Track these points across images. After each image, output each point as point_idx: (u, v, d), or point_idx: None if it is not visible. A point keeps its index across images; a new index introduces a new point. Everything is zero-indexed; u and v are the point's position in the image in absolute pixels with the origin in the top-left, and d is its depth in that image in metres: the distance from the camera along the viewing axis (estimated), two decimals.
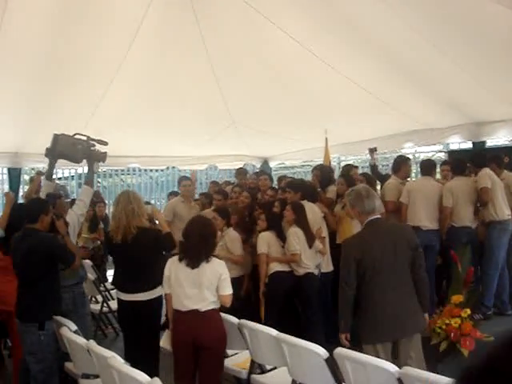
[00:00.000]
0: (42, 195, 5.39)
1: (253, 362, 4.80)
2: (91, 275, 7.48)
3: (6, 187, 10.63)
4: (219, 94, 8.44)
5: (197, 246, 4.43)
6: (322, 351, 4.01)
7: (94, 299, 7.81)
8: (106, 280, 8.41)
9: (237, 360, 4.88)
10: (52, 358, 4.79)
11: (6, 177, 10.69)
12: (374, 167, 8.63)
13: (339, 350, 3.93)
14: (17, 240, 4.88)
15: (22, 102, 7.79)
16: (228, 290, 4.44)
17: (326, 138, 9.01)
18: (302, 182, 7.54)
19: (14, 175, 10.21)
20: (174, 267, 4.55)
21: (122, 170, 15.14)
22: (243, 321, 4.77)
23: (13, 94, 7.53)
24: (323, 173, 7.72)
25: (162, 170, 14.60)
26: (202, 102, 8.67)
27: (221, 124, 9.69)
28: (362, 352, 3.93)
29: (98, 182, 15.78)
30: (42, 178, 5.95)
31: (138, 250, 4.96)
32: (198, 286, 4.39)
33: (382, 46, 6.48)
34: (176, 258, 4.56)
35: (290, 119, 9.21)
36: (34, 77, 7.20)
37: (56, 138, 5.44)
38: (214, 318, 4.49)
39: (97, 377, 4.45)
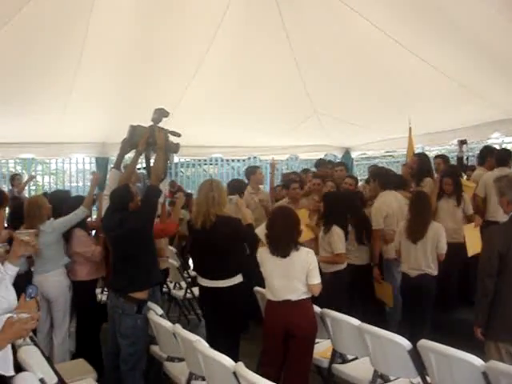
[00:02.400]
0: (111, 184, 5.52)
1: (334, 352, 4.81)
2: (175, 262, 7.67)
3: None
4: (301, 84, 8.43)
5: (282, 236, 4.48)
6: (405, 342, 3.98)
7: (177, 285, 8.02)
8: (189, 267, 8.58)
9: (318, 349, 4.88)
10: (143, 342, 4.94)
11: (94, 166, 11.05)
12: (460, 159, 8.40)
13: (423, 342, 3.89)
14: (113, 223, 5.05)
15: (110, 95, 8.03)
16: (317, 280, 4.46)
17: (410, 128, 8.83)
18: (381, 170, 7.43)
19: (102, 164, 10.56)
20: (263, 258, 4.62)
21: (205, 160, 15.38)
22: (326, 310, 4.79)
23: (100, 87, 7.78)
24: (421, 163, 7.47)
25: (243, 160, 14.73)
26: (283, 92, 8.67)
27: (302, 113, 9.67)
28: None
29: (181, 171, 16.14)
30: (112, 167, 6.11)
31: (217, 237, 5.03)
32: (288, 277, 4.44)
33: (471, 33, 6.27)
34: (265, 248, 4.63)
35: (373, 108, 9.09)
36: (121, 69, 7.42)
37: (133, 128, 5.56)
38: (306, 308, 4.53)
39: (182, 360, 4.59)
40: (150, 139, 5.48)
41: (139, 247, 4.86)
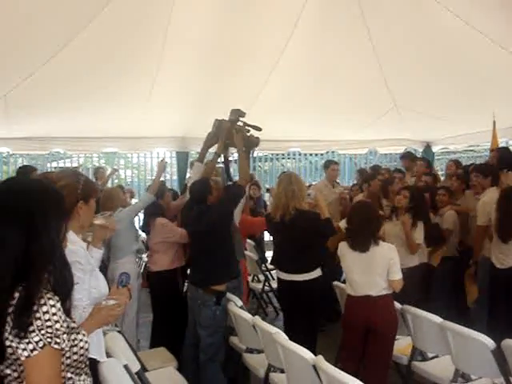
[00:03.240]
0: (194, 177, 5.61)
1: (414, 349, 4.74)
2: (254, 255, 7.74)
3: (175, 170, 11.19)
4: (381, 77, 8.31)
5: (361, 230, 4.45)
6: (489, 341, 3.87)
7: (256, 278, 8.08)
8: (266, 260, 8.64)
9: (398, 345, 4.82)
10: (222, 333, 5.02)
11: (174, 160, 11.25)
12: None
13: (507, 342, 3.78)
14: (191, 217, 5.15)
15: (189, 89, 8.16)
16: (398, 275, 4.41)
17: (494, 121, 8.55)
18: (491, 166, 7.14)
19: (182, 158, 10.75)
20: (343, 252, 4.61)
21: (283, 155, 15.39)
22: (406, 306, 4.72)
23: (180, 81, 7.92)
24: (501, 157, 7.08)
25: (321, 155, 14.65)
26: (362, 85, 8.57)
27: (381, 107, 9.53)
28: None
29: (259, 166, 16.22)
30: (195, 160, 6.21)
31: (296, 231, 5.03)
32: (369, 272, 4.41)
33: None
34: (345, 243, 4.62)
35: (455, 101, 8.84)
36: (201, 65, 7.53)
37: (219, 122, 5.64)
38: (387, 303, 4.49)
39: (260, 352, 4.63)
40: (228, 141, 5.57)
41: (217, 241, 4.94)
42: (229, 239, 5.10)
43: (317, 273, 5.12)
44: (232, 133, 5.53)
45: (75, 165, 13.45)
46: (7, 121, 8.50)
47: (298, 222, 5.02)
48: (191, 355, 5.17)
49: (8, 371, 1.81)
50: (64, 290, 1.88)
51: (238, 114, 5.65)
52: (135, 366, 3.76)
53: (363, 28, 7.07)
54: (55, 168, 13.94)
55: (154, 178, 6.36)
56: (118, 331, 4.13)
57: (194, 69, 7.58)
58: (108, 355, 3.35)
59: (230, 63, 7.63)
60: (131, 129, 9.75)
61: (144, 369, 4.12)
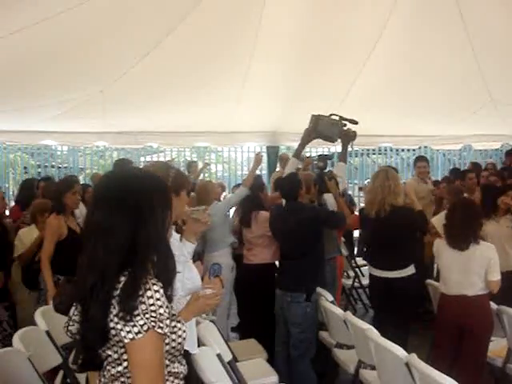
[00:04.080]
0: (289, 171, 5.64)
1: (510, 351, 4.58)
2: (344, 251, 7.69)
3: (264, 165, 11.26)
4: (477, 70, 8.03)
5: (461, 228, 4.34)
6: None
7: (345, 274, 8.03)
8: (354, 256, 8.56)
9: (493, 347, 4.67)
10: (313, 329, 5.02)
11: (264, 154, 11.31)
12: None
13: None
14: (281, 214, 5.18)
15: (280, 84, 8.18)
16: (497, 276, 4.28)
17: None
18: None
19: (272, 153, 10.80)
20: (440, 250, 4.51)
21: (373, 150, 15.16)
22: (503, 307, 4.56)
23: (271, 76, 7.95)
24: None
25: (413, 150, 14.33)
26: (457, 79, 8.32)
27: (477, 101, 9.20)
28: None
29: (350, 161, 16.05)
30: (291, 156, 6.24)
31: (391, 227, 4.97)
32: (466, 271, 4.30)
33: None
34: (442, 240, 4.52)
35: None
36: (291, 59, 7.52)
37: (316, 118, 5.64)
38: (483, 304, 4.37)
39: (351, 347, 4.59)
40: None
41: (305, 240, 4.95)
42: (320, 239, 5.10)
43: (411, 270, 5.04)
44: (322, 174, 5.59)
45: (168, 159, 13.77)
46: (104, 115, 8.82)
47: (393, 218, 4.96)
48: (283, 352, 5.21)
49: (109, 352, 1.88)
50: (167, 277, 1.94)
51: (326, 158, 5.70)
52: (227, 356, 3.82)
53: (458, 19, 6.84)
54: (148, 162, 14.33)
55: (249, 171, 6.44)
56: (211, 321, 4.21)
57: (285, 63, 7.59)
58: (202, 344, 3.43)
59: (321, 57, 7.59)
60: (223, 123, 9.87)
61: (235, 359, 4.18)
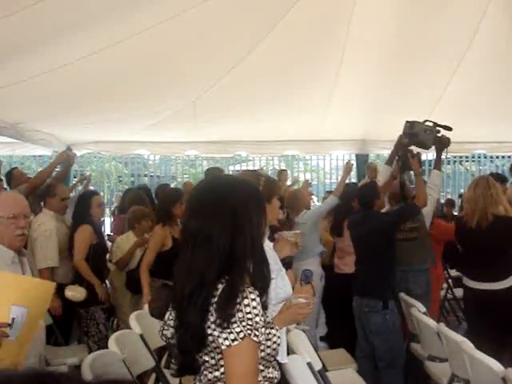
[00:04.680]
0: (382, 180, 5.56)
1: None
2: None
3: (353, 173, 11.16)
4: None
5: None
6: None
7: None
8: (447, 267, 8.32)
9: None
10: (397, 338, 4.92)
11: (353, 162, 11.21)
12: None
13: None
14: (356, 221, 5.13)
15: (369, 91, 8.08)
16: None
17: None
18: None
19: (361, 161, 10.69)
20: None
21: (466, 157, 14.73)
22: None
23: (360, 83, 7.86)
24: None
25: (508, 157, 13.80)
26: None
27: None
28: None
29: (442, 169, 15.65)
30: (379, 165, 6.17)
31: (493, 237, 4.79)
32: None
33: None
34: None
35: None
36: (381, 67, 7.42)
37: (411, 125, 5.56)
38: None
39: (444, 360, 4.47)
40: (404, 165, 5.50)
41: (380, 247, 4.87)
42: (393, 246, 5.01)
43: (510, 281, 4.84)
44: (406, 151, 5.48)
45: (256, 167, 13.92)
46: (196, 125, 9.01)
47: (495, 227, 4.78)
48: (366, 366, 5.12)
49: (206, 358, 1.92)
50: (262, 284, 1.96)
51: (412, 127, 5.57)
52: (317, 365, 3.81)
53: None
54: (237, 170, 14.53)
55: (339, 180, 6.42)
56: (302, 330, 4.21)
57: (374, 70, 7.50)
58: (292, 352, 3.43)
59: (412, 62, 7.44)
60: (311, 132, 9.87)
61: (325, 368, 4.16)
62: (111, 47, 5.52)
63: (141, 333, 4.07)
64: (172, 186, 11.82)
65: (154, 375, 4.22)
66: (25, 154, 12.88)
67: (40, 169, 13.43)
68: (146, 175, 16.72)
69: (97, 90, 6.90)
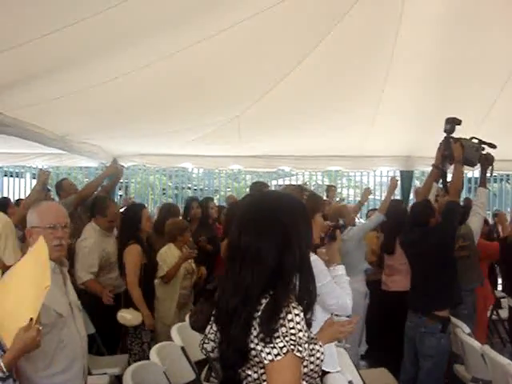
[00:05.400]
0: (432, 196, 5.50)
1: None
2: None
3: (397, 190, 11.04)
4: None
5: None
6: None
7: None
8: (496, 287, 8.16)
9: None
10: (445, 362, 4.82)
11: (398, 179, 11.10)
12: None
13: None
14: (413, 240, 5.06)
15: (415, 106, 8.00)
16: None
17: None
18: None
19: (406, 178, 10.56)
20: None
21: None
22: None
23: (405, 99, 7.80)
24: None
25: None
26: None
27: None
28: None
29: (488, 188, 15.36)
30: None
31: None
32: None
33: None
34: None
35: None
36: (426, 81, 7.34)
37: (456, 141, 5.50)
38: None
39: (488, 383, 4.37)
40: (446, 152, 5.39)
41: (441, 263, 4.78)
42: (452, 262, 4.91)
43: None
44: (450, 142, 5.37)
45: (299, 182, 13.90)
46: (240, 140, 9.06)
47: None
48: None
49: (249, 372, 1.92)
50: (308, 300, 1.95)
51: (453, 122, 5.48)
52: (358, 383, 3.77)
53: None
54: (280, 185, 14.53)
55: (384, 197, 6.37)
56: (344, 347, 4.17)
57: (420, 85, 7.41)
58: None
59: (459, 78, 7.34)
60: (355, 147, 9.82)
61: None
62: (158, 62, 5.62)
63: (182, 345, 4.10)
64: (215, 199, 11.92)
65: None
66: (72, 166, 13.21)
67: (86, 180, 13.76)
68: (189, 188, 16.86)
69: (143, 103, 7.01)
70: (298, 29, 5.97)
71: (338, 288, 3.27)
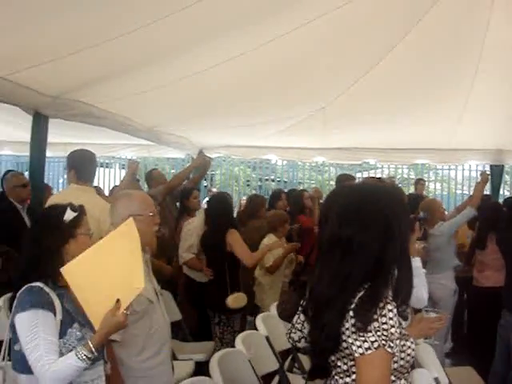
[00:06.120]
0: None
1: None
2: None
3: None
4: None
5: None
6: None
7: None
8: None
9: None
10: None
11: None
12: None
13: None
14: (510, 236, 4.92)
15: (505, 99, 7.70)
16: None
17: None
18: None
19: (496, 172, 10.21)
20: None
21: None
22: None
23: (497, 93, 7.53)
24: None
25: None
26: None
27: None
28: None
29: None
30: None
31: None
32: None
33: None
34: None
35: None
36: None
37: None
38: None
39: None
40: None
41: None
42: None
43: None
44: None
45: (383, 175, 13.70)
46: (324, 132, 9.02)
47: None
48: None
49: (339, 363, 1.93)
50: (404, 294, 1.94)
51: None
52: (444, 381, 3.70)
53: None
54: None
55: (474, 191, 6.21)
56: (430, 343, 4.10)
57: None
58: (418, 365, 3.35)
59: None
60: (443, 141, 9.59)
61: None
62: (244, 54, 5.66)
63: (267, 335, 4.14)
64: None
65: (277, 377, 4.27)
66: (159, 156, 13.54)
67: (173, 171, 14.06)
68: (273, 180, 16.92)
69: (229, 95, 7.09)
70: (386, 18, 5.86)
71: (416, 280, 3.23)
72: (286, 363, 4.49)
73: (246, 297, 5.38)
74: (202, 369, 4.57)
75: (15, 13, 3.97)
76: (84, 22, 4.27)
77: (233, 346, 4.90)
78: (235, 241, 5.37)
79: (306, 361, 4.27)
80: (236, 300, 5.27)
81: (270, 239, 6.19)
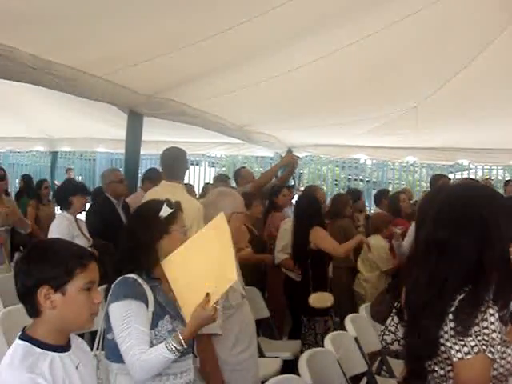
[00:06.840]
0: None
1: None
2: None
3: None
4: None
5: None
6: None
7: None
8: None
9: None
10: None
11: None
12: None
13: None
14: None
15: None
16: None
17: None
18: None
19: None
20: None
21: None
22: None
23: None
24: None
25: None
26: None
27: None
28: None
29: None
30: None
31: None
32: None
33: None
34: None
35: None
36: None
37: None
38: None
39: None
40: None
41: None
42: None
43: None
44: None
45: (476, 177, 13.28)
46: (416, 131, 8.83)
47: None
48: None
49: (436, 368, 1.87)
50: (505, 298, 1.87)
51: None
52: None
53: None
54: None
55: None
56: None
57: None
58: None
59: None
60: None
61: None
62: (333, 54, 5.62)
63: (356, 336, 4.10)
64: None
65: (364, 379, 4.21)
66: (247, 155, 13.67)
67: (261, 169, 14.15)
68: (361, 180, 16.72)
69: (318, 94, 7.07)
70: (478, 18, 5.67)
71: None
72: (375, 365, 4.42)
73: (331, 297, 5.28)
74: (288, 367, 4.56)
75: (111, 17, 4.12)
76: (177, 24, 4.39)
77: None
78: (320, 237, 5.31)
79: (394, 363, 4.20)
80: (319, 299, 5.18)
81: (377, 241, 6.16)
